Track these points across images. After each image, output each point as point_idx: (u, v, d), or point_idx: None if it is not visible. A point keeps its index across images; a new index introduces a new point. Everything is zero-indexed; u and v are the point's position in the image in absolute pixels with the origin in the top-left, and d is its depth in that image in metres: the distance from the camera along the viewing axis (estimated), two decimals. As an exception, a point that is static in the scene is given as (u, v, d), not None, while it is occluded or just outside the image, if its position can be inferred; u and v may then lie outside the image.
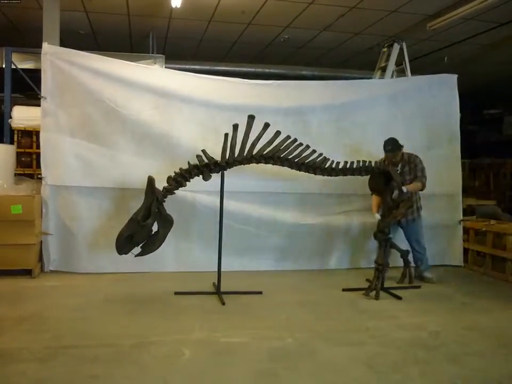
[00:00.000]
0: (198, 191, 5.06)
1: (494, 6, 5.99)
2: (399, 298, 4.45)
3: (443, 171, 5.80)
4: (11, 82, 6.03)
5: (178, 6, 6.12)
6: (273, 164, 4.54)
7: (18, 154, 5.98)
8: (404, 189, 4.75)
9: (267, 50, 8.69)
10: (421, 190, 5.02)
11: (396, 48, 6.94)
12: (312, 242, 5.58)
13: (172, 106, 5.26)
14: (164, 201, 4.33)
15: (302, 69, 9.13)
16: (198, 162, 4.39)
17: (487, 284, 5.22)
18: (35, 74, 5.53)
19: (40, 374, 2.72)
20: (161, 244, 4.42)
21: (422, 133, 5.83)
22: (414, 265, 5.18)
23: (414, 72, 6.97)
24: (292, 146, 4.52)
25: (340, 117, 5.68)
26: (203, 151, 4.40)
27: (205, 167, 4.36)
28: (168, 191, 4.35)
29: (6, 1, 6.13)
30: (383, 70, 7.10)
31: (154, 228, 4.35)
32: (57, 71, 5.02)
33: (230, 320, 3.77)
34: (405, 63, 6.92)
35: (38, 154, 5.31)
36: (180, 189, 4.45)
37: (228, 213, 4.78)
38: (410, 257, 5.07)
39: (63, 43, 5.89)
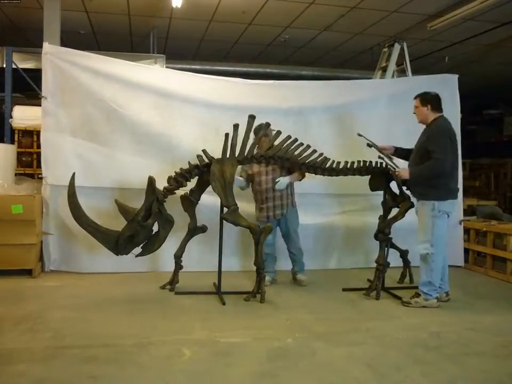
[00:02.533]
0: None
1: (494, 6, 5.99)
2: (399, 298, 4.45)
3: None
4: (12, 82, 6.02)
5: (179, 6, 6.13)
6: (273, 164, 4.55)
7: (19, 154, 5.98)
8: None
9: (267, 50, 8.70)
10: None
11: (396, 48, 6.93)
12: (313, 242, 5.57)
13: (172, 106, 5.26)
14: (165, 201, 4.34)
15: (302, 69, 9.13)
16: (198, 162, 4.40)
17: (488, 284, 5.22)
18: (36, 74, 5.53)
19: (40, 374, 2.72)
20: (161, 244, 4.43)
21: (422, 133, 5.82)
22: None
23: (414, 72, 6.96)
24: (293, 146, 4.52)
25: (340, 117, 5.68)
26: (203, 151, 4.41)
27: (206, 167, 4.37)
28: (169, 191, 4.36)
29: (6, 1, 6.13)
30: (384, 70, 7.10)
31: (155, 228, 4.36)
32: (57, 71, 5.02)
33: (230, 320, 3.77)
34: (406, 63, 6.91)
35: (39, 154, 5.31)
36: (181, 189, 4.46)
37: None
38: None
39: (64, 43, 5.89)
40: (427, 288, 4.15)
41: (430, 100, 4.24)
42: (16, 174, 5.62)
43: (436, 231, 4.08)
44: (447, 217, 4.16)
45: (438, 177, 4.07)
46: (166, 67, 7.16)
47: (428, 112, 4.23)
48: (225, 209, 4.29)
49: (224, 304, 4.15)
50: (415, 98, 4.35)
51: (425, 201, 4.15)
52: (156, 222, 4.31)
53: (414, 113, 4.37)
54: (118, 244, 4.17)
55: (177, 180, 4.37)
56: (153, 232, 4.35)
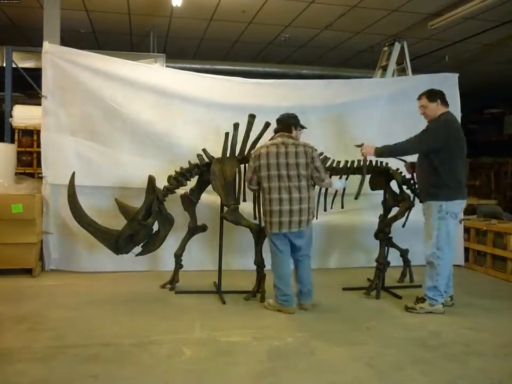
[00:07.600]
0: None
1: (494, 5, 5.97)
2: (399, 297, 4.45)
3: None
4: (12, 81, 6.02)
5: (179, 4, 6.11)
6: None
7: (19, 153, 5.98)
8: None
9: (268, 50, 8.69)
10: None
11: (396, 47, 6.93)
12: (313, 242, 5.57)
13: (172, 105, 5.26)
14: (165, 200, 4.34)
15: (303, 68, 9.11)
16: (198, 162, 4.40)
17: (488, 284, 5.22)
18: (36, 73, 5.52)
19: (40, 373, 2.72)
20: (161, 243, 4.43)
21: (422, 132, 5.82)
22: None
23: (415, 71, 6.96)
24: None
25: (340, 116, 5.68)
26: (204, 150, 4.42)
27: (206, 166, 4.38)
28: (169, 190, 4.37)
29: (6, 1, 6.12)
30: (384, 69, 7.10)
31: (155, 227, 4.36)
32: (58, 70, 5.02)
33: (231, 319, 3.77)
34: (406, 62, 6.91)
35: (39, 153, 5.31)
36: (181, 188, 4.46)
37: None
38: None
39: (64, 42, 5.88)
40: (432, 293, 3.95)
41: (438, 95, 4.09)
42: (16, 173, 5.62)
43: (442, 233, 3.91)
44: (454, 219, 4.00)
45: (440, 176, 3.97)
46: (166, 66, 7.15)
47: (438, 106, 4.05)
48: (225, 208, 4.30)
49: (224, 303, 4.15)
50: (420, 98, 4.14)
51: (431, 202, 3.98)
52: (156, 221, 4.31)
53: (423, 113, 4.15)
54: (118, 243, 4.18)
55: (178, 179, 4.38)
56: (153, 232, 4.35)
